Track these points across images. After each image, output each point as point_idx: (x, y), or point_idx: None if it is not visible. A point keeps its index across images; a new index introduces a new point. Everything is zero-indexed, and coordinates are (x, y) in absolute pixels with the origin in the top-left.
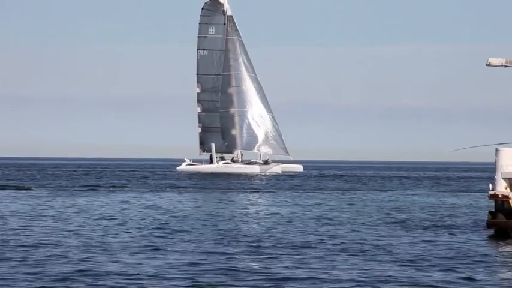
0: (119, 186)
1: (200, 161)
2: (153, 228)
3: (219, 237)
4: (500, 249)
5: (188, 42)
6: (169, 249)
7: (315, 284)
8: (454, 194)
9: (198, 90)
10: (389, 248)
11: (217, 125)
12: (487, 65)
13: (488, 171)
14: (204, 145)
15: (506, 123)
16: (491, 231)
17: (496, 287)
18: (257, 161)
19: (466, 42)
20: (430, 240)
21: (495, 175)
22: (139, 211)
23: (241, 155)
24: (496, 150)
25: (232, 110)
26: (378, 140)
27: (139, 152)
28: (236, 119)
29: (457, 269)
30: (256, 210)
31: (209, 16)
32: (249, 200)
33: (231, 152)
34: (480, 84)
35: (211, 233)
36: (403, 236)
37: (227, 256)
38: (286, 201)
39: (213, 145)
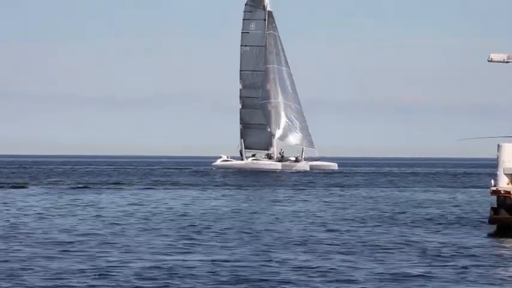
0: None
1: (239, 157)
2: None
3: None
4: (501, 245)
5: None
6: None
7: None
8: (458, 190)
9: (240, 86)
10: (389, 244)
11: (256, 121)
12: (488, 61)
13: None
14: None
15: (509, 119)
16: (494, 227)
17: (495, 282)
18: (289, 158)
19: (468, 37)
20: (433, 236)
21: (497, 171)
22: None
23: (282, 150)
24: (498, 146)
25: (269, 105)
26: (378, 136)
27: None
28: (272, 112)
29: (457, 265)
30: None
31: (251, 12)
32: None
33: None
34: (482, 80)
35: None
36: (407, 232)
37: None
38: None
39: (241, 141)
